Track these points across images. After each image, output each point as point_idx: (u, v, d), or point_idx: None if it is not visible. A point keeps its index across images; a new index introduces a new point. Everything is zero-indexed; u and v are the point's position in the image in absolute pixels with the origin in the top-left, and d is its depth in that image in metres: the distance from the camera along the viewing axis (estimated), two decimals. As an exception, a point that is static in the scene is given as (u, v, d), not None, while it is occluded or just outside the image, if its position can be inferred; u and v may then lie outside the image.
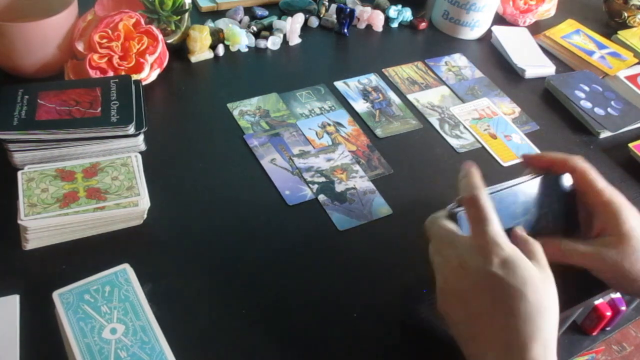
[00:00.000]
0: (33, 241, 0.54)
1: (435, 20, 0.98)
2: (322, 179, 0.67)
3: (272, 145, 0.70)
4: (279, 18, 0.91)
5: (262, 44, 0.87)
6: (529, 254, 0.46)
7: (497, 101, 0.83)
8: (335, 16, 0.92)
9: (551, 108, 0.84)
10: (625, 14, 1.01)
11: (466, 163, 0.50)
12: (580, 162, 0.53)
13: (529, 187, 0.53)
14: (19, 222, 0.52)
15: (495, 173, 0.72)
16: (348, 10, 0.90)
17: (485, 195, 0.47)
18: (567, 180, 0.55)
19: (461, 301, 0.45)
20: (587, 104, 0.82)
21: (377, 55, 0.89)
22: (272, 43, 0.87)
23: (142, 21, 0.73)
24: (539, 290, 0.43)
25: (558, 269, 0.54)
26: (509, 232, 0.49)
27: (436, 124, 0.78)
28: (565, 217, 0.56)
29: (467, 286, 0.45)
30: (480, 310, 0.43)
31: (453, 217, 0.50)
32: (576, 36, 0.98)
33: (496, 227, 0.46)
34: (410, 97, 0.82)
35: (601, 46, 0.96)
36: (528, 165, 0.56)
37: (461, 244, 0.46)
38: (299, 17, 0.89)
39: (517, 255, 0.45)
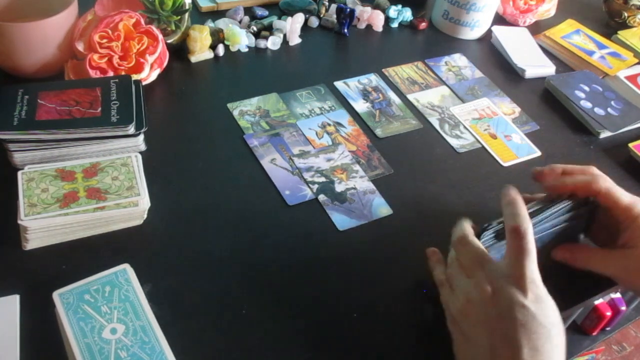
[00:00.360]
0: (33, 241, 0.54)
1: (435, 20, 0.98)
2: (322, 179, 0.67)
3: (272, 145, 0.70)
4: (279, 18, 0.91)
5: (262, 44, 0.87)
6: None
7: (497, 101, 0.83)
8: (335, 16, 0.92)
9: (551, 108, 0.84)
10: (625, 14, 1.01)
11: (509, 188, 0.51)
12: (603, 183, 0.53)
13: (553, 212, 0.53)
14: (19, 222, 0.52)
15: (495, 173, 0.72)
16: (348, 10, 0.90)
17: (531, 229, 0.47)
18: (587, 201, 0.55)
19: (485, 327, 0.46)
20: (587, 104, 0.82)
21: (377, 55, 0.89)
22: (272, 43, 0.87)
23: (142, 21, 0.73)
24: (561, 334, 0.45)
25: (559, 269, 0.54)
26: None
27: (436, 124, 0.78)
28: (574, 233, 0.57)
29: (494, 312, 0.45)
30: (506, 340, 0.44)
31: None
32: (576, 36, 0.98)
33: (535, 263, 0.46)
34: (410, 97, 0.82)
35: (601, 46, 0.96)
36: (552, 192, 0.56)
37: (495, 268, 0.47)
38: (299, 17, 0.89)
39: (548, 296, 0.46)
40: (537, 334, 0.43)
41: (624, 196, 0.53)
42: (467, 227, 0.53)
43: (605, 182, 0.54)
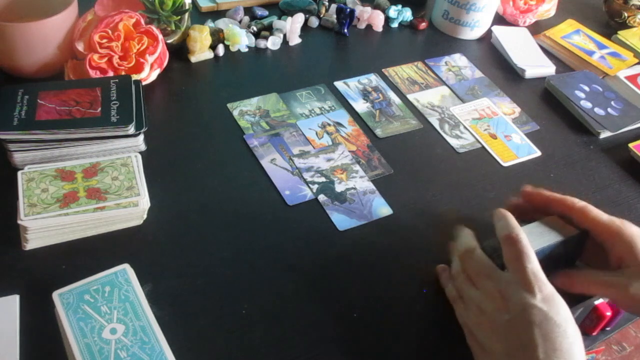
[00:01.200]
0: (33, 241, 0.54)
1: (435, 20, 0.98)
2: (322, 179, 0.67)
3: (272, 145, 0.70)
4: (279, 18, 0.91)
5: (262, 44, 0.87)
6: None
7: (497, 101, 0.83)
8: (335, 16, 0.92)
9: (551, 108, 0.84)
10: (625, 14, 1.01)
11: (499, 210, 0.52)
12: (578, 201, 0.54)
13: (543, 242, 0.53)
14: (19, 222, 0.52)
15: (495, 173, 0.72)
16: (348, 10, 0.90)
17: (523, 235, 0.48)
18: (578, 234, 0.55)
19: (500, 334, 0.46)
20: (587, 104, 0.82)
21: (377, 55, 0.89)
22: (272, 43, 0.87)
23: (142, 21, 0.73)
24: (576, 331, 0.45)
25: (558, 270, 0.54)
26: None
27: (436, 124, 0.78)
28: (565, 260, 0.56)
29: (507, 318, 0.46)
30: (522, 343, 0.44)
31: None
32: (576, 36, 0.98)
33: (536, 264, 0.47)
34: (410, 97, 0.82)
35: (601, 46, 0.96)
36: (526, 201, 0.57)
37: (501, 277, 0.48)
38: (299, 17, 0.89)
39: (556, 293, 0.46)
40: (553, 332, 0.43)
41: (602, 215, 0.53)
42: (470, 238, 0.53)
43: (581, 202, 0.54)
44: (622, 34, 0.99)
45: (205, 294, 0.54)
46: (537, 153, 0.76)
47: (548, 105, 0.84)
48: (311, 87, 0.81)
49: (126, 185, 0.57)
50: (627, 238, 0.51)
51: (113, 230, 0.57)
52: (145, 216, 0.59)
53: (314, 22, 0.93)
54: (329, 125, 0.75)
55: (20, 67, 0.71)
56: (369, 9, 0.95)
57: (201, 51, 0.82)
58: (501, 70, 0.90)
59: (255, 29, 0.88)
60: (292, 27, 0.88)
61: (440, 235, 0.62)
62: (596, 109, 0.82)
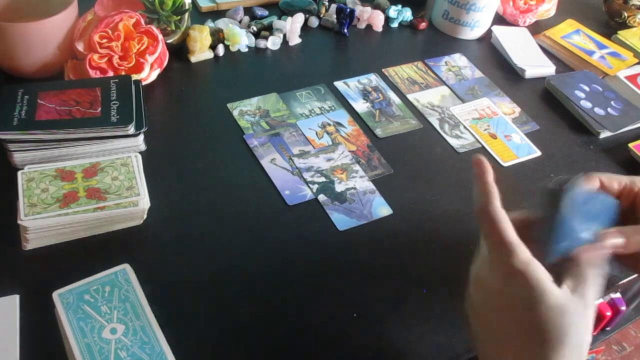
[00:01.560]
0: (33, 241, 0.54)
1: (435, 20, 0.98)
2: (322, 179, 0.67)
3: (272, 145, 0.70)
4: (279, 18, 0.91)
5: (262, 44, 0.87)
6: (578, 278, 0.41)
7: (497, 101, 0.83)
8: (335, 16, 0.92)
9: (551, 108, 0.84)
10: (625, 14, 1.01)
11: (475, 157, 0.45)
12: (596, 174, 0.48)
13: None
14: (19, 222, 0.52)
15: (495, 173, 0.72)
16: (348, 10, 0.90)
17: (499, 208, 0.41)
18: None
19: (491, 316, 0.42)
20: (587, 104, 0.82)
21: (377, 55, 0.89)
22: (272, 43, 0.87)
23: (142, 21, 0.73)
24: (581, 327, 0.40)
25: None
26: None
27: (436, 124, 0.78)
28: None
29: (477, 300, 0.43)
30: (509, 337, 0.41)
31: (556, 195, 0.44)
32: (576, 36, 0.98)
33: (522, 252, 0.40)
34: (410, 97, 0.82)
35: (601, 46, 0.96)
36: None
37: (482, 248, 0.43)
38: (299, 17, 0.89)
39: (525, 269, 0.39)
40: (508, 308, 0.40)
41: (623, 178, 0.48)
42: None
43: (598, 174, 0.48)
44: (622, 34, 0.99)
45: (205, 294, 0.54)
46: (537, 153, 0.76)
47: (548, 105, 0.84)
48: (311, 87, 0.81)
49: (126, 185, 0.57)
50: None
51: (113, 230, 0.57)
52: (145, 216, 0.59)
53: (314, 22, 0.93)
54: (329, 125, 0.75)
55: (20, 67, 0.71)
56: (369, 9, 0.95)
57: (201, 51, 0.82)
58: (501, 70, 0.90)
59: (255, 29, 0.88)
60: (292, 27, 0.88)
61: (441, 235, 0.63)
62: (596, 109, 0.82)
